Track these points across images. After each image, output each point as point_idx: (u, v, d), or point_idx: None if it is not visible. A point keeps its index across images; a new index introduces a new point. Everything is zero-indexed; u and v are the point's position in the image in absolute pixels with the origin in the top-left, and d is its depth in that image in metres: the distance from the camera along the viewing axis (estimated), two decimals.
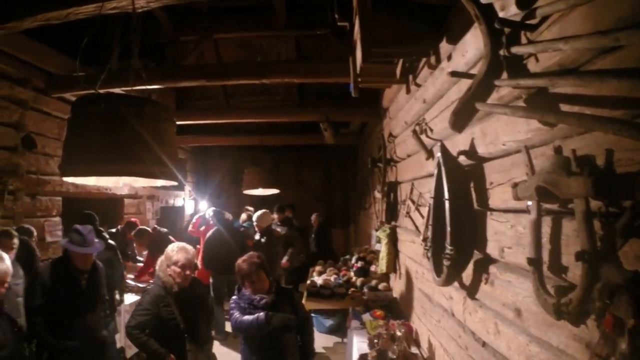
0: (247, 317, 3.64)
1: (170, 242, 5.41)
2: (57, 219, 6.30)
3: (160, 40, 7.38)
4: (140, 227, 7.22)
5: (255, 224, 7.86)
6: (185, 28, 7.27)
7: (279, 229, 8.41)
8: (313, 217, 10.38)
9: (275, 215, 9.03)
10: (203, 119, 8.28)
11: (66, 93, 6.05)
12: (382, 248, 5.35)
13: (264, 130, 9.98)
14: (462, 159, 2.69)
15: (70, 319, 3.95)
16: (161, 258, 3.93)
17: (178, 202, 11.28)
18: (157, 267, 3.96)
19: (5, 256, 3.32)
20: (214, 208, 8.02)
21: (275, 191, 9.51)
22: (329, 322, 7.43)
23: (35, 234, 5.02)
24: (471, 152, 2.58)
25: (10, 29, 3.90)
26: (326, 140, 8.75)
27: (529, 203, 1.76)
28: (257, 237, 7.81)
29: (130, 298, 5.91)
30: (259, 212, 7.85)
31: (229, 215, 8.39)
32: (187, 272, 3.82)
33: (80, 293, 4.02)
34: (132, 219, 7.19)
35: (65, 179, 2.75)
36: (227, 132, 10.33)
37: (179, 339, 3.75)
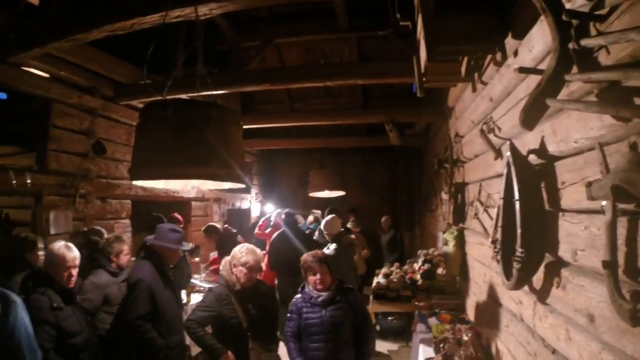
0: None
1: (238, 243, 5.52)
2: (127, 220, 6.59)
3: (222, 47, 7.58)
4: (211, 223, 7.38)
5: (325, 232, 7.50)
6: (247, 34, 7.46)
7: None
8: (383, 219, 10.24)
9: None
10: (268, 123, 8.41)
11: (133, 100, 6.31)
12: (449, 250, 5.23)
13: (329, 132, 10.01)
14: (532, 158, 2.59)
15: (173, 314, 4.02)
16: (227, 258, 3.99)
17: (244, 205, 11.48)
18: (221, 266, 4.03)
19: (72, 245, 3.58)
20: (288, 209, 7.85)
21: (341, 193, 9.48)
22: (393, 325, 7.35)
23: (105, 235, 5.19)
24: (541, 151, 2.48)
25: (79, 41, 4.12)
26: (391, 141, 8.66)
27: (604, 203, 1.66)
28: (328, 249, 6.81)
29: (196, 298, 5.94)
30: (327, 219, 7.62)
31: (300, 219, 8.35)
32: (253, 275, 3.88)
33: (173, 288, 4.15)
34: (175, 214, 7.12)
35: (135, 182, 2.86)
36: (292, 135, 10.48)
37: (241, 337, 3.79)
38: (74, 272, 3.51)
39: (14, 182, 4.69)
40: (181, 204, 8.44)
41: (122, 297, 4.14)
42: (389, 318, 7.31)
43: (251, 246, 4.02)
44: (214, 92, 3.89)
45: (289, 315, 3.85)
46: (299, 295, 3.88)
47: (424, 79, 4.07)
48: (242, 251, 3.89)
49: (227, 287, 3.87)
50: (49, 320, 3.21)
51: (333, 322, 3.65)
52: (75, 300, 3.57)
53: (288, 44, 8.01)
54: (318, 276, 3.73)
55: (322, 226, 7.60)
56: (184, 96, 5.02)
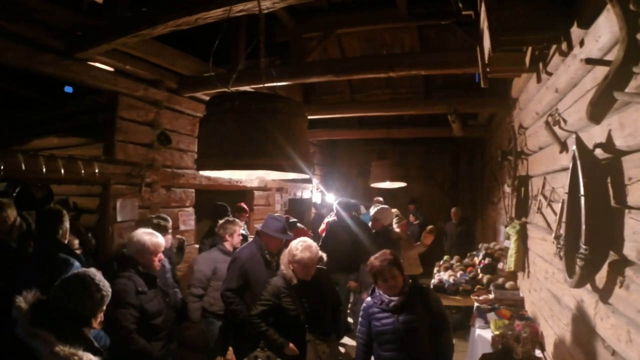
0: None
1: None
2: (190, 209, 6.77)
3: (283, 38, 7.65)
4: (271, 214, 7.51)
5: (371, 218, 7.14)
6: (308, 25, 7.47)
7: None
8: (453, 210, 10.07)
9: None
10: (330, 114, 8.41)
11: (197, 92, 6.46)
12: (511, 245, 5.10)
13: (391, 123, 9.96)
14: (599, 152, 2.49)
15: None
16: (285, 251, 4.03)
17: (306, 195, 11.58)
18: (280, 259, 4.08)
19: (154, 231, 3.84)
20: (342, 198, 7.73)
21: (402, 184, 9.40)
22: (452, 319, 7.25)
23: (170, 222, 5.41)
24: (608, 145, 2.38)
25: (144, 36, 4.25)
26: (454, 132, 8.51)
27: None
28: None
29: None
30: (380, 207, 7.29)
31: (362, 209, 8.12)
32: (310, 270, 3.88)
33: (272, 273, 4.28)
34: (241, 203, 7.29)
35: (201, 172, 2.95)
36: (354, 125, 10.47)
37: (299, 329, 3.82)
38: (161, 257, 3.81)
39: (83, 171, 4.89)
40: (244, 193, 8.58)
41: None
42: (447, 311, 7.23)
43: (308, 241, 3.98)
44: (278, 84, 3.96)
45: (360, 319, 3.67)
46: (369, 299, 3.65)
47: (488, 69, 3.97)
48: (298, 247, 3.88)
49: (284, 280, 3.91)
50: (134, 304, 3.48)
51: (407, 329, 3.38)
52: (157, 284, 3.79)
53: (349, 34, 8.01)
54: (389, 282, 3.45)
55: (372, 212, 7.31)
56: (247, 88, 5.14)
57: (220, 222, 5.33)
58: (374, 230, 6.94)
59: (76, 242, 4.77)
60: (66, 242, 4.11)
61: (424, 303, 3.48)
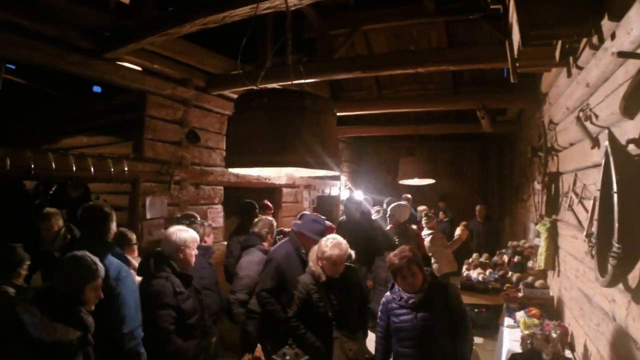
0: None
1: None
2: (219, 206, 6.85)
3: (310, 35, 7.66)
4: (304, 212, 7.51)
5: (389, 215, 6.91)
6: (334, 22, 7.48)
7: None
8: (478, 208, 9.95)
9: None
10: (357, 110, 8.40)
11: (225, 90, 6.51)
12: (541, 243, 5.03)
13: (419, 119, 9.90)
14: (632, 148, 2.42)
15: None
16: (314, 247, 4.00)
17: (334, 192, 11.56)
18: (309, 256, 4.06)
19: (187, 227, 3.87)
20: (351, 196, 7.69)
21: (431, 181, 9.32)
22: (480, 317, 7.17)
23: (199, 220, 5.47)
24: None
25: (172, 35, 4.28)
26: (483, 128, 8.40)
27: None
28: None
29: None
30: (397, 203, 7.11)
31: (364, 205, 7.83)
32: (338, 268, 3.85)
33: None
34: (265, 201, 7.20)
35: (230, 170, 2.97)
36: (381, 122, 10.45)
37: (326, 326, 3.80)
38: (195, 252, 3.83)
39: (112, 169, 4.97)
40: (272, 191, 8.62)
41: None
42: (476, 310, 7.16)
43: (338, 238, 3.94)
44: (307, 81, 3.97)
45: (379, 314, 3.67)
46: (388, 294, 3.65)
47: (517, 64, 3.90)
48: (327, 244, 3.84)
49: (313, 277, 3.89)
50: (172, 304, 3.49)
51: (425, 327, 3.36)
52: (192, 283, 3.80)
53: (375, 31, 8.00)
54: (407, 280, 3.42)
55: (388, 209, 7.09)
56: (275, 85, 5.16)
57: (259, 221, 5.26)
58: (389, 227, 6.85)
59: None
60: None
61: (443, 301, 3.45)
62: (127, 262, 3.67)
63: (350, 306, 3.97)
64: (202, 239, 4.63)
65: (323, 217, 7.20)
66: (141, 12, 4.66)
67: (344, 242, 3.93)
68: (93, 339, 2.79)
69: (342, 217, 7.32)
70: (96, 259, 2.84)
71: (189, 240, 3.74)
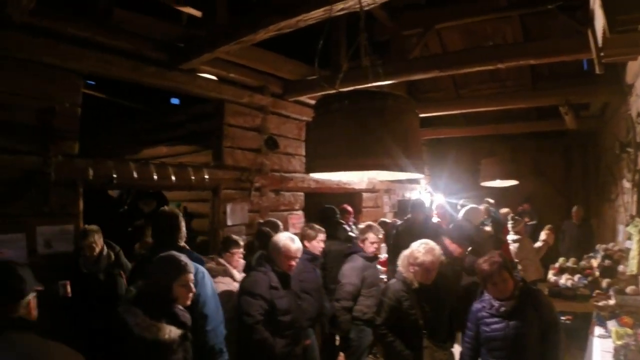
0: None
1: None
2: (300, 212, 6.85)
3: (382, 37, 7.58)
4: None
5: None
6: (406, 22, 7.40)
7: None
8: (574, 209, 9.43)
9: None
10: (435, 111, 8.28)
11: (301, 96, 6.52)
12: (633, 246, 4.68)
13: (498, 118, 9.61)
14: None
15: None
16: (405, 252, 3.86)
17: (413, 195, 11.29)
18: (399, 261, 3.91)
19: (296, 237, 3.88)
20: (416, 198, 7.51)
21: (513, 182, 8.96)
22: (568, 326, 6.74)
23: (281, 226, 5.42)
24: None
25: (246, 43, 4.29)
26: (567, 125, 8.01)
27: None
28: None
29: None
30: (469, 207, 6.76)
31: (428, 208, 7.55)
32: (431, 275, 3.70)
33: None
34: (344, 205, 7.19)
35: (312, 175, 2.93)
36: (460, 122, 10.21)
37: (416, 335, 3.67)
38: (295, 262, 3.83)
39: (193, 177, 5.06)
40: (352, 196, 8.58)
41: (377, 280, 4.80)
42: (563, 318, 6.74)
43: (431, 244, 3.79)
44: (384, 83, 3.88)
45: (467, 324, 3.52)
46: (477, 302, 3.50)
47: (602, 54, 3.66)
48: (420, 250, 3.70)
49: (404, 284, 3.75)
50: (264, 296, 3.60)
51: (517, 335, 3.20)
52: (291, 285, 3.86)
53: (449, 29, 7.85)
54: (498, 286, 3.28)
55: (460, 214, 6.75)
56: (352, 88, 5.11)
57: (360, 226, 5.20)
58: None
59: None
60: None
61: (535, 308, 3.28)
62: (203, 263, 3.67)
63: (441, 314, 3.82)
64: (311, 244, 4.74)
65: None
66: (213, 22, 4.72)
67: (437, 247, 3.78)
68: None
69: (407, 217, 7.12)
70: (183, 256, 2.94)
71: (293, 250, 3.77)
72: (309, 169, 2.80)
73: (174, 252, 2.98)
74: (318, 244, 4.80)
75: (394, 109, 2.62)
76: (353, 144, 2.53)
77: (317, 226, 4.89)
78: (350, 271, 4.70)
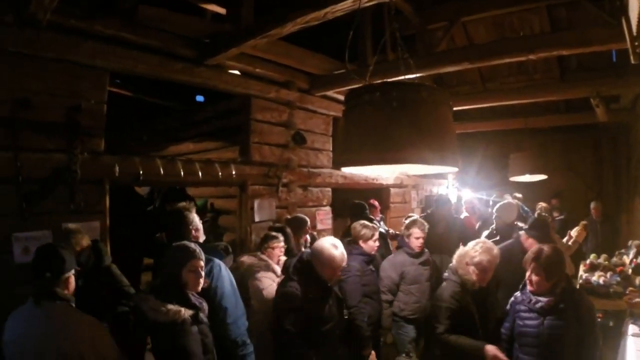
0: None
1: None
2: (327, 208, 6.81)
3: (408, 32, 7.49)
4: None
5: (495, 217, 6.35)
6: (432, 16, 7.28)
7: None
8: (593, 205, 9.24)
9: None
10: (462, 105, 8.13)
11: (328, 91, 6.49)
12: None
13: (527, 112, 9.43)
14: None
15: None
16: (460, 252, 3.76)
17: (441, 191, 11.19)
18: (454, 261, 3.78)
19: (339, 243, 3.60)
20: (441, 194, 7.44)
21: (543, 177, 8.80)
22: (599, 324, 6.56)
23: (308, 222, 5.48)
24: None
25: (273, 36, 4.27)
26: (598, 117, 7.84)
27: None
28: None
29: None
30: (502, 203, 6.58)
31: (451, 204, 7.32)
32: (487, 275, 3.59)
33: None
34: (372, 200, 7.10)
35: (343, 169, 2.87)
36: (486, 116, 10.07)
37: (474, 337, 3.52)
38: (340, 271, 3.64)
39: (220, 173, 5.05)
40: (380, 191, 8.53)
41: (420, 277, 4.75)
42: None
43: (488, 243, 3.68)
44: (413, 76, 3.82)
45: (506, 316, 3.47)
46: (518, 294, 3.42)
47: (637, 43, 3.54)
48: (477, 249, 3.58)
49: (460, 285, 3.62)
50: (300, 308, 3.38)
51: (552, 335, 3.12)
52: (331, 292, 3.65)
53: (475, 22, 7.72)
54: (533, 277, 3.21)
55: (495, 210, 6.56)
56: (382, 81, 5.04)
57: (406, 222, 5.12)
58: (493, 227, 6.36)
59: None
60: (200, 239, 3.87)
61: (574, 308, 3.16)
62: (220, 257, 3.68)
63: (492, 315, 3.70)
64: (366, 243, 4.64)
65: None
66: (239, 17, 4.69)
67: (494, 246, 3.65)
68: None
69: (428, 211, 7.05)
70: (194, 245, 3.07)
71: (338, 260, 3.48)
72: (340, 162, 2.76)
73: (185, 241, 3.15)
74: (375, 244, 4.69)
75: (428, 100, 2.56)
76: (385, 138, 2.48)
77: (370, 224, 4.78)
78: (389, 264, 4.77)
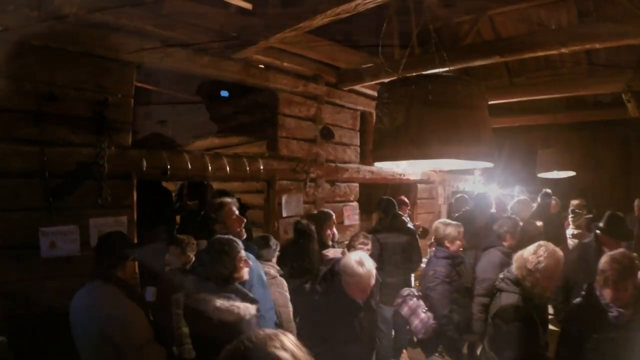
0: None
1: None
2: (355, 203, 6.77)
3: (434, 25, 7.39)
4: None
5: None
6: (458, 9, 7.20)
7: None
8: (637, 202, 9.00)
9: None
10: (491, 100, 7.93)
11: (356, 85, 6.41)
12: None
13: (555, 107, 9.26)
14: None
15: None
16: (518, 258, 3.34)
17: (467, 187, 11.05)
18: (514, 269, 3.33)
19: (366, 257, 3.27)
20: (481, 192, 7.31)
21: (571, 173, 8.66)
22: None
23: (333, 216, 5.46)
24: None
25: (302, 29, 4.17)
26: (630, 113, 7.64)
27: None
28: None
29: None
30: (516, 199, 6.50)
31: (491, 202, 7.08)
32: (552, 283, 3.28)
33: None
34: (401, 197, 7.06)
35: (377, 164, 2.84)
36: (513, 111, 9.92)
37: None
38: (368, 289, 3.24)
39: (248, 168, 5.05)
40: (407, 187, 8.47)
41: None
42: None
43: (551, 246, 3.26)
44: (442, 69, 3.76)
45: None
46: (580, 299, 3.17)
47: None
48: (539, 252, 3.18)
49: (524, 300, 3.17)
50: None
51: (627, 347, 2.88)
52: (359, 312, 3.32)
53: (501, 15, 7.62)
54: (612, 293, 2.92)
55: (509, 207, 6.48)
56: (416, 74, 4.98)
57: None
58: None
59: None
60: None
61: None
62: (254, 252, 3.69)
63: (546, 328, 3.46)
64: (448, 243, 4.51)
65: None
66: (267, 10, 4.63)
67: (556, 248, 3.29)
68: None
69: (465, 209, 6.94)
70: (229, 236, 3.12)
71: (365, 279, 3.15)
72: (376, 157, 2.73)
73: (219, 235, 3.16)
74: (461, 242, 4.56)
75: (464, 94, 2.52)
76: (422, 132, 2.44)
77: (454, 222, 4.64)
78: (488, 265, 4.44)
